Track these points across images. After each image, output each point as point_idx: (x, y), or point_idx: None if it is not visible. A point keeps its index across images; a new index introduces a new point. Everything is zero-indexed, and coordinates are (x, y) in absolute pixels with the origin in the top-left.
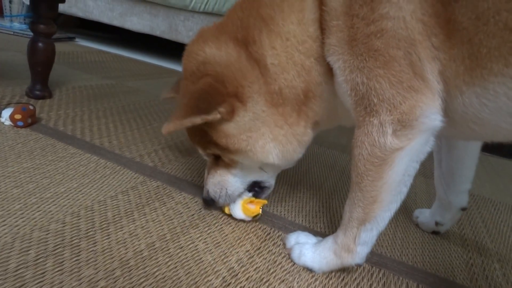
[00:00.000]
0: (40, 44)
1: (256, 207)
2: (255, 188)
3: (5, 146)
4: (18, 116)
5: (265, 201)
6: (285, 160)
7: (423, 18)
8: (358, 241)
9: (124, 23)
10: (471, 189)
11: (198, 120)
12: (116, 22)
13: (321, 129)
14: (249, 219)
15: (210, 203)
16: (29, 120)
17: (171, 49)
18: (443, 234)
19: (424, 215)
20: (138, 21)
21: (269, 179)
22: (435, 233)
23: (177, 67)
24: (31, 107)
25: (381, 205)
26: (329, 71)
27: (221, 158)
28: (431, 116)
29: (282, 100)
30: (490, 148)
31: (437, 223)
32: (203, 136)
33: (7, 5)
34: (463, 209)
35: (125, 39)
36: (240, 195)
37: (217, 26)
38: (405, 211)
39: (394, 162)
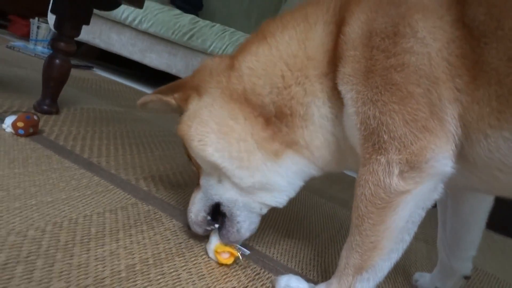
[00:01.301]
0: (57, 61)
1: (229, 259)
2: (219, 216)
3: (1, 151)
4: (20, 124)
5: (237, 254)
6: (236, 163)
7: (449, 58)
8: None
9: (143, 58)
10: (475, 262)
11: (153, 97)
12: (136, 56)
13: (324, 169)
14: (215, 260)
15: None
16: (31, 130)
17: None
18: None
19: (424, 279)
20: (156, 58)
21: (230, 203)
22: None
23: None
24: (35, 117)
25: (381, 252)
26: (331, 98)
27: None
28: (442, 160)
29: (244, 99)
30: (496, 226)
31: None
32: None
33: (35, 30)
34: (466, 277)
35: (141, 76)
36: (204, 223)
37: None
38: (403, 273)
39: (399, 206)
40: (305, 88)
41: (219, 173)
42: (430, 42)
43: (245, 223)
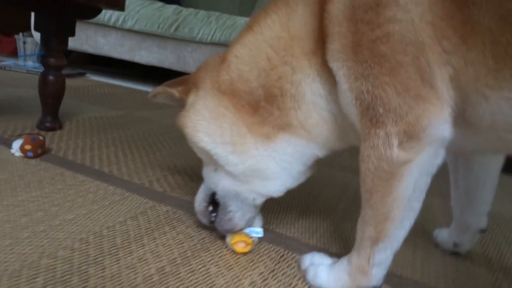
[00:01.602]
0: (50, 77)
1: (245, 247)
2: (214, 206)
3: (15, 176)
4: (28, 147)
5: (250, 241)
6: (228, 147)
7: (433, 21)
8: (373, 262)
9: (134, 57)
10: (493, 209)
11: (160, 89)
12: (126, 56)
13: (327, 148)
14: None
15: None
16: (39, 151)
17: None
18: (465, 254)
19: (442, 235)
20: (147, 54)
21: (223, 192)
22: (455, 254)
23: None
24: (41, 138)
25: (393, 222)
26: (321, 73)
27: None
28: (439, 126)
29: (231, 90)
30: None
31: (455, 244)
32: None
33: (21, 45)
34: (482, 231)
35: (135, 73)
36: (206, 213)
37: None
38: (423, 231)
39: (403, 176)
40: (293, 67)
41: (214, 162)
42: (411, 7)
43: (237, 213)
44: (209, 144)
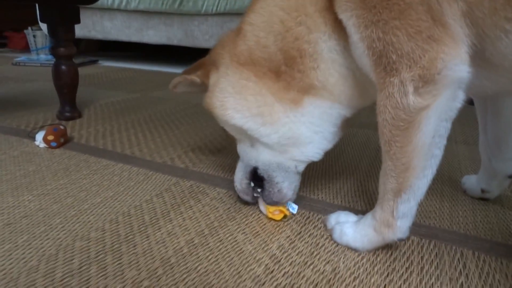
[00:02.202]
0: (63, 67)
1: (278, 215)
2: (258, 182)
3: (42, 166)
4: (50, 137)
5: (287, 213)
6: (258, 120)
7: None
8: (397, 214)
9: (142, 37)
10: None
11: (180, 79)
12: (134, 38)
13: (351, 106)
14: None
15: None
16: (62, 140)
17: (190, 56)
18: (494, 199)
19: (470, 182)
20: (154, 33)
21: (265, 166)
22: (483, 199)
23: None
24: (61, 127)
25: (414, 172)
26: (335, 29)
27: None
28: (455, 67)
29: (250, 60)
30: None
31: (483, 191)
32: None
33: (32, 39)
34: (511, 177)
35: (145, 54)
36: (249, 190)
37: None
38: (449, 180)
39: (421, 123)
40: (308, 26)
41: (249, 137)
42: None
43: (284, 183)
44: (240, 120)
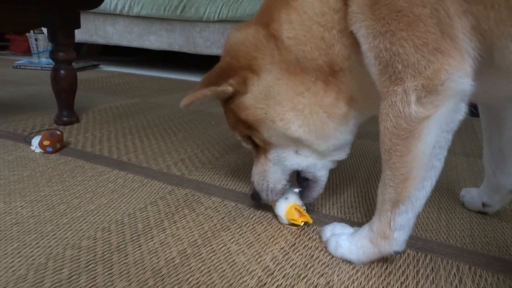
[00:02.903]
0: (62, 72)
1: (300, 218)
2: (301, 182)
3: (37, 172)
4: (46, 142)
5: (310, 220)
6: (314, 134)
7: None
8: (394, 226)
9: (143, 43)
10: None
11: (207, 92)
12: (135, 43)
13: (369, 112)
14: (287, 222)
15: (256, 198)
16: (58, 145)
17: (191, 62)
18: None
19: (470, 195)
20: (156, 39)
21: (311, 169)
22: (482, 213)
23: (198, 79)
24: (58, 132)
25: (413, 182)
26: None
27: (258, 145)
28: (459, 79)
29: (300, 69)
30: None
31: (484, 204)
32: (234, 116)
33: (34, 43)
34: None
35: (147, 59)
36: (283, 190)
37: (254, 15)
38: (448, 192)
39: (422, 133)
40: (343, 43)
41: (297, 145)
42: None
43: (325, 180)
44: (302, 134)
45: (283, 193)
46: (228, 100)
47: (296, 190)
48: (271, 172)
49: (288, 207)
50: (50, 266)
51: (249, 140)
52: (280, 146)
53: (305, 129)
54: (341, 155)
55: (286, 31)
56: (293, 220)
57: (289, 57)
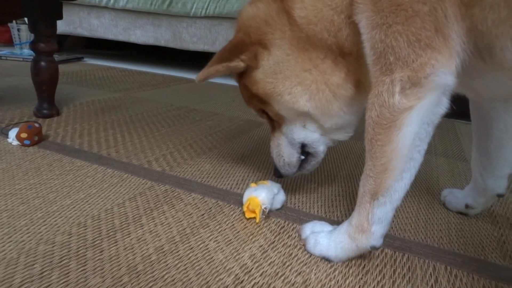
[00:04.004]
0: (42, 63)
1: (255, 212)
2: (304, 155)
3: (13, 165)
4: (24, 135)
5: (257, 220)
6: (320, 110)
7: None
8: (372, 219)
9: (129, 37)
10: None
11: (220, 67)
12: (121, 37)
13: None
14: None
15: (278, 175)
16: (36, 138)
17: (178, 57)
18: None
19: (453, 195)
20: (142, 33)
21: (314, 143)
22: (463, 214)
23: (184, 75)
24: (36, 125)
25: (392, 173)
26: None
27: (273, 119)
28: (442, 75)
29: (310, 45)
30: None
31: (467, 206)
32: (248, 91)
33: (16, 33)
34: (500, 195)
35: (133, 54)
36: (298, 162)
37: None
38: (427, 192)
39: (403, 124)
40: (352, 29)
41: (304, 119)
42: None
43: (323, 156)
44: (310, 108)
45: (296, 166)
46: (242, 75)
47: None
48: (284, 146)
49: (249, 198)
50: (21, 261)
51: (264, 114)
52: (290, 120)
53: (312, 104)
54: (343, 136)
55: (299, 10)
56: (249, 216)
57: (300, 34)
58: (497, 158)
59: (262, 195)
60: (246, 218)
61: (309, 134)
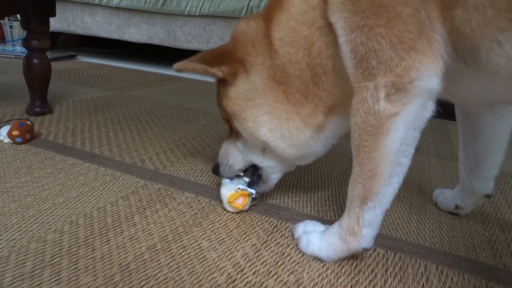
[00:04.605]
0: (35, 61)
1: (243, 202)
2: (254, 177)
3: (4, 163)
4: (15, 133)
5: (248, 192)
6: (284, 140)
7: None
8: (363, 223)
9: (123, 35)
10: (503, 168)
11: (198, 67)
12: (115, 35)
13: None
14: (229, 208)
15: (215, 171)
16: (28, 136)
17: (171, 56)
18: None
19: (444, 196)
20: (136, 31)
21: (268, 170)
22: (453, 214)
23: (177, 74)
24: (28, 123)
25: (380, 179)
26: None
27: (233, 128)
28: (427, 78)
29: (285, 78)
30: None
31: (457, 207)
32: (220, 96)
33: (8, 30)
34: (488, 196)
35: (127, 52)
36: (238, 171)
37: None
38: (419, 192)
39: (390, 130)
40: (324, 41)
41: (266, 146)
42: None
43: (274, 183)
44: (270, 138)
45: (236, 174)
46: (221, 79)
47: (246, 179)
48: (232, 153)
49: (228, 196)
50: (12, 260)
51: (227, 122)
52: (250, 142)
53: (275, 134)
54: (303, 162)
55: (277, 32)
56: (237, 208)
57: (277, 62)
58: (484, 161)
59: (239, 185)
60: (234, 209)
61: (266, 160)
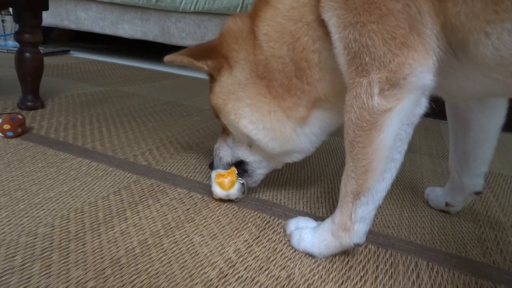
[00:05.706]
0: (27, 54)
1: (230, 178)
2: (239, 170)
3: None
4: (7, 127)
5: (234, 169)
6: (267, 133)
7: None
8: (355, 218)
9: (117, 30)
10: (491, 166)
11: (186, 60)
12: (109, 30)
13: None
14: (229, 195)
15: (212, 166)
16: (19, 130)
17: (166, 53)
18: None
19: (435, 194)
20: (130, 27)
21: (254, 164)
22: (444, 212)
23: (171, 70)
24: (20, 117)
25: (374, 174)
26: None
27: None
28: (421, 74)
29: (267, 73)
30: None
31: (447, 204)
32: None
33: (0, 24)
34: (477, 193)
35: (120, 48)
36: (225, 164)
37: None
38: (411, 190)
39: (384, 125)
40: (311, 35)
41: (251, 141)
42: None
43: (260, 179)
44: (252, 131)
45: (226, 167)
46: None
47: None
48: (223, 148)
49: (215, 182)
50: (2, 253)
51: (218, 118)
52: (237, 137)
53: (257, 126)
54: (290, 159)
55: (262, 27)
56: (228, 186)
57: (261, 57)
58: (473, 157)
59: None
60: (219, 187)
61: (252, 155)
